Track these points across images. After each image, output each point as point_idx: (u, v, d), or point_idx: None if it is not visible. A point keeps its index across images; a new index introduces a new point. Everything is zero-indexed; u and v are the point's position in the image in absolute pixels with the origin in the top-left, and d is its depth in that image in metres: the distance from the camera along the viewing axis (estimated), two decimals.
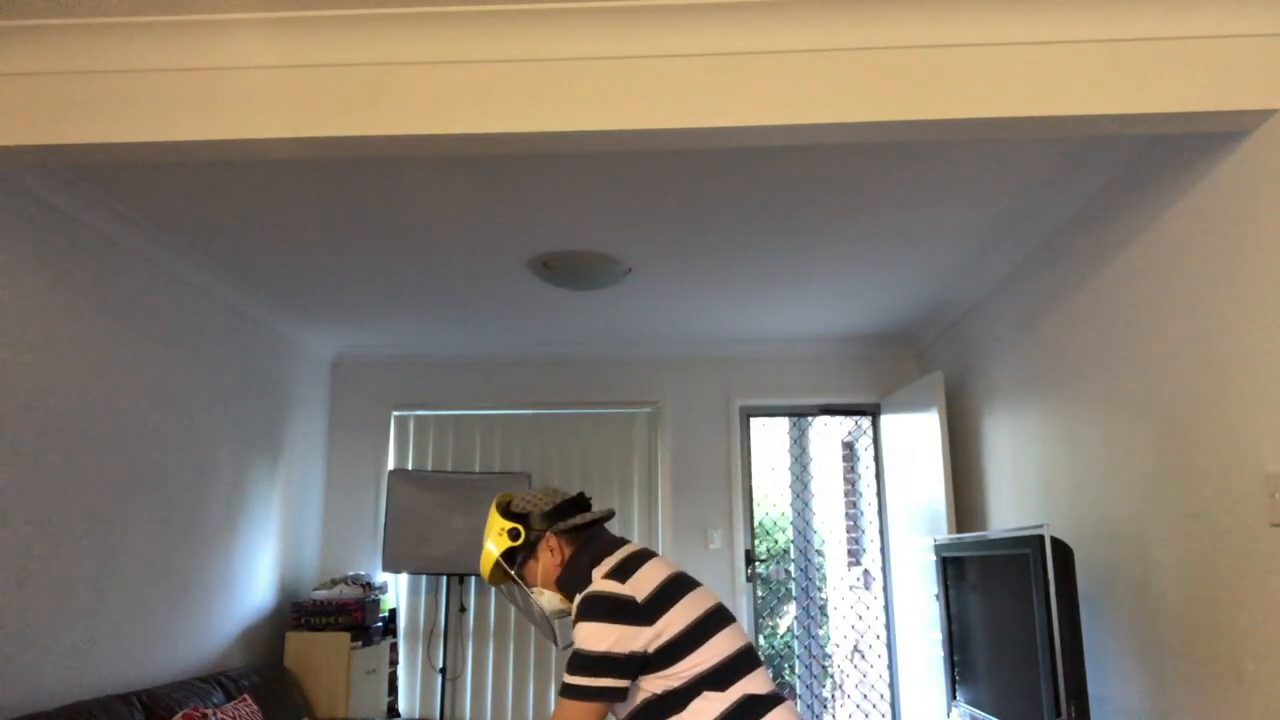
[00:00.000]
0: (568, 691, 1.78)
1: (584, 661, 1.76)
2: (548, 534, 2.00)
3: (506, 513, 2.05)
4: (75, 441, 3.02)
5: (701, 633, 1.80)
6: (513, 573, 2.03)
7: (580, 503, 2.06)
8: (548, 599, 2.01)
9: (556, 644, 2.14)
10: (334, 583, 4.61)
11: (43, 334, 2.88)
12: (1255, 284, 2.15)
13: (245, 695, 3.57)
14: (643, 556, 1.90)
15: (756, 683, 1.81)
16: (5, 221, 2.73)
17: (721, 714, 1.75)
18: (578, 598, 1.89)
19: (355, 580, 4.65)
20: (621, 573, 1.84)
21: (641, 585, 1.82)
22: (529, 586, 2.04)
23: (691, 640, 1.79)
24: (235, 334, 4.14)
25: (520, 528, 2.01)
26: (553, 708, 4.90)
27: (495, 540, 2.03)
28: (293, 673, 4.21)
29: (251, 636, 4.26)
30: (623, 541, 1.99)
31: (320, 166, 2.88)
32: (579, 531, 2.01)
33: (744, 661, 1.82)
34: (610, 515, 2.08)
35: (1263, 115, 2.09)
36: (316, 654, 4.26)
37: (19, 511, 2.76)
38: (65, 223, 2.99)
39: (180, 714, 3.09)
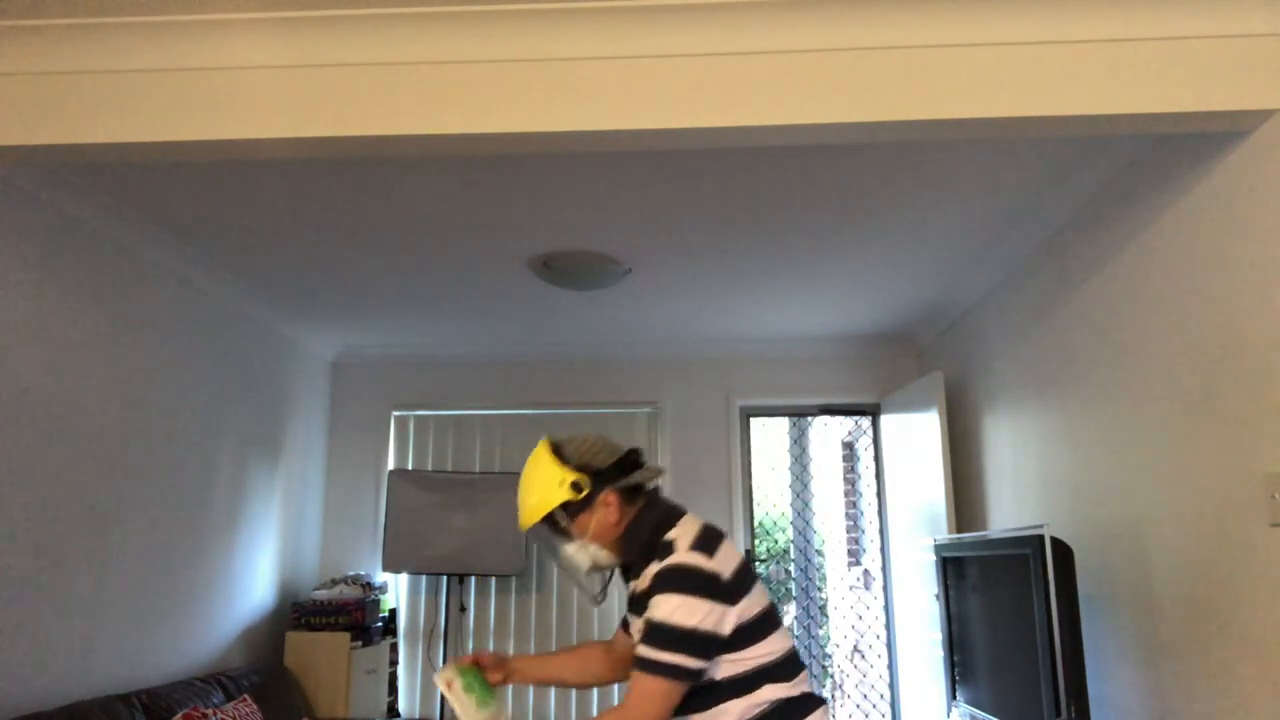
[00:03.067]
0: (652, 668, 1.65)
1: (670, 636, 1.65)
2: (608, 490, 1.85)
3: (564, 460, 1.87)
4: (75, 441, 3.02)
5: (769, 623, 1.75)
6: (564, 525, 1.86)
7: (636, 459, 1.93)
8: (593, 553, 1.86)
9: (598, 600, 2.06)
10: (334, 583, 4.61)
11: (43, 334, 2.88)
12: (1255, 284, 2.15)
13: (245, 695, 3.57)
14: (719, 532, 1.81)
15: (807, 681, 1.80)
16: (4, 221, 2.73)
17: (783, 700, 1.72)
18: (658, 566, 1.74)
19: (355, 580, 4.65)
20: (707, 547, 1.73)
21: (726, 563, 1.73)
22: (574, 539, 1.88)
23: (762, 628, 1.73)
24: (235, 334, 4.14)
25: (584, 480, 1.84)
26: (562, 705, 4.90)
27: (552, 490, 1.85)
28: (293, 673, 4.21)
29: (251, 636, 4.26)
30: (681, 508, 1.89)
31: (321, 166, 2.88)
32: (639, 491, 1.89)
33: (799, 659, 1.81)
34: (662, 473, 1.96)
35: (1263, 115, 2.09)
36: (316, 654, 4.26)
37: (19, 511, 2.76)
38: (65, 223, 2.99)
39: (180, 714, 3.09)
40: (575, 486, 1.84)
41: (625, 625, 2.05)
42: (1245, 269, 2.19)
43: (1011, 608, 2.87)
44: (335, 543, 5.11)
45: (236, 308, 4.14)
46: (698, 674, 1.67)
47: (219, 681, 3.57)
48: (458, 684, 1.91)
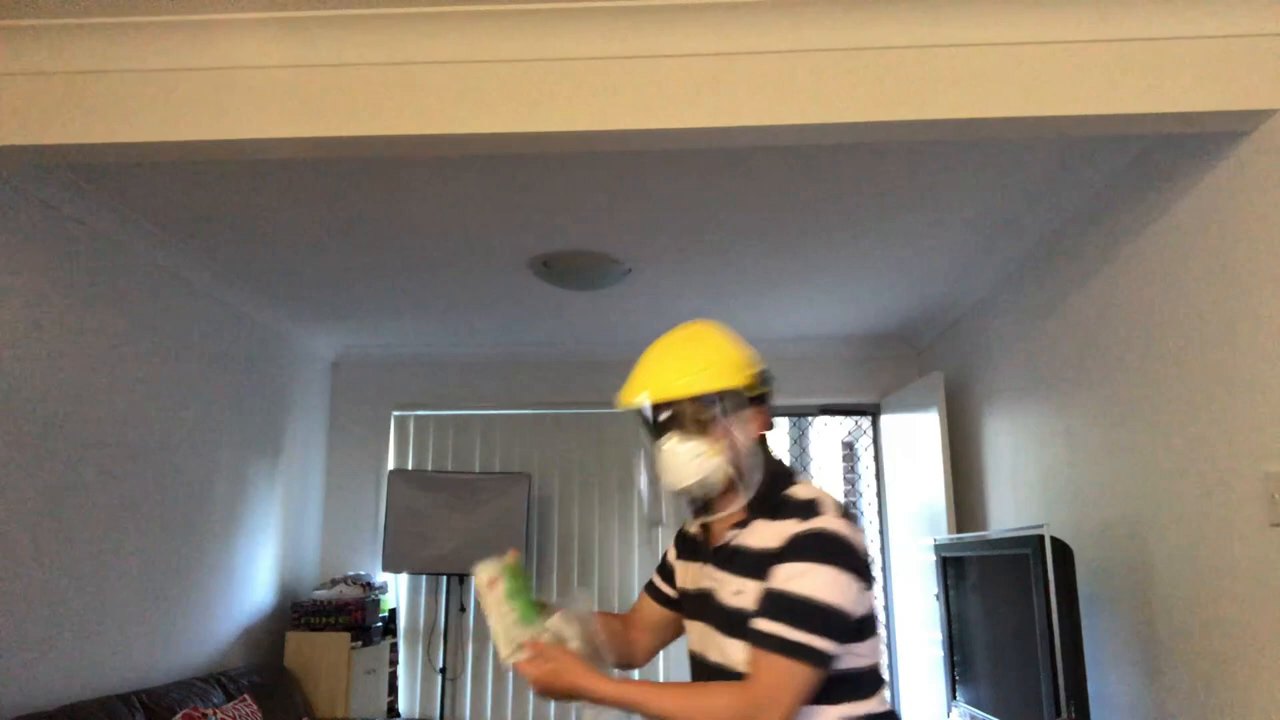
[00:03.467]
0: (790, 649, 1.37)
1: (816, 614, 1.37)
2: (766, 404, 1.59)
3: (736, 350, 1.57)
4: (75, 441, 3.02)
5: (875, 622, 1.50)
6: (707, 417, 1.51)
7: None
8: (711, 467, 1.50)
9: (658, 523, 1.74)
10: (334, 583, 4.61)
11: (42, 334, 2.88)
12: (1255, 283, 2.15)
13: (245, 695, 3.57)
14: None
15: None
16: (4, 221, 2.73)
17: (885, 712, 1.49)
18: (798, 527, 1.43)
19: (355, 580, 4.65)
20: (852, 518, 1.46)
21: (864, 540, 1.47)
22: (703, 439, 1.52)
23: (872, 626, 1.49)
24: (235, 334, 4.14)
25: (760, 379, 1.56)
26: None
27: (727, 369, 1.52)
28: (293, 673, 4.21)
29: (251, 636, 4.26)
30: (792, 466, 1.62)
31: (320, 166, 2.88)
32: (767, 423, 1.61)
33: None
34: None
35: (1263, 115, 2.09)
36: (316, 654, 4.26)
37: (19, 511, 2.76)
38: (65, 223, 2.99)
39: (180, 714, 3.09)
40: (762, 377, 1.55)
41: (655, 591, 1.77)
42: (1245, 268, 2.19)
43: (1011, 608, 2.87)
44: (335, 543, 5.11)
45: (236, 308, 4.14)
46: (831, 661, 1.40)
47: (219, 681, 3.57)
48: (501, 586, 1.56)
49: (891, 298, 4.29)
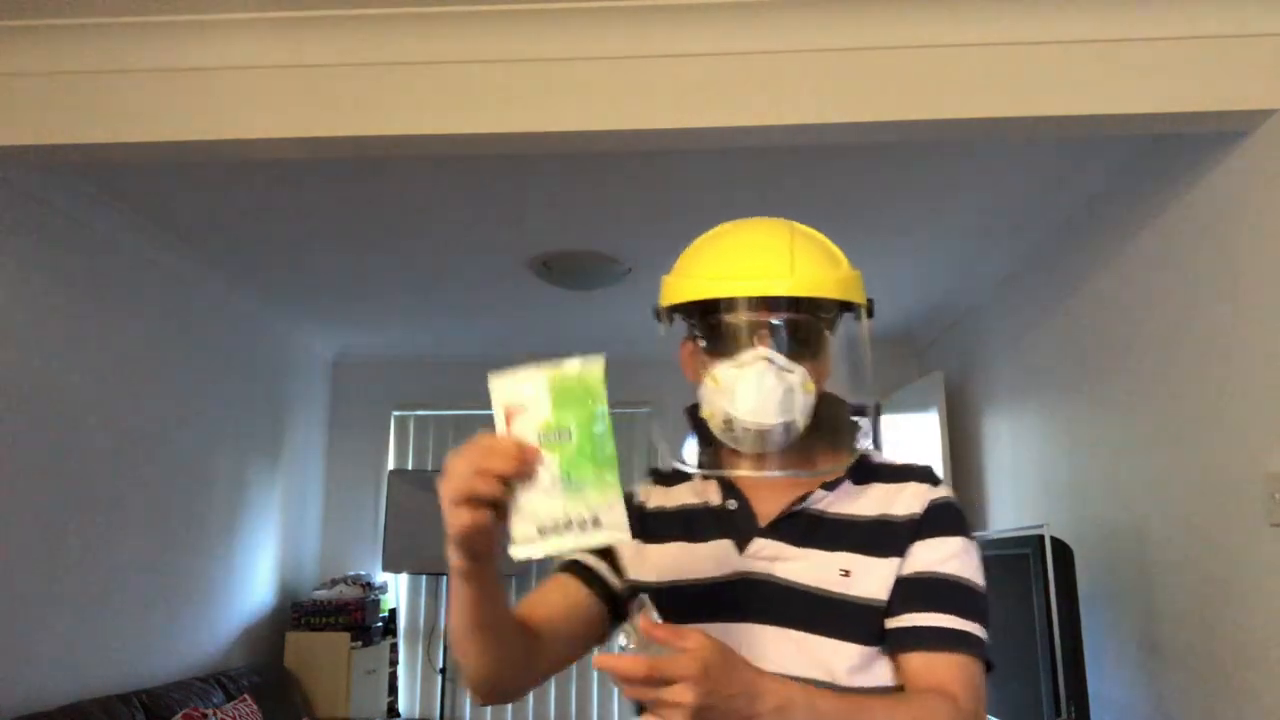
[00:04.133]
0: (977, 646, 1.13)
1: (979, 600, 1.15)
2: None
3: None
4: (74, 441, 3.01)
5: None
6: (823, 336, 1.15)
7: None
8: (810, 403, 1.10)
9: (681, 464, 1.22)
10: (334, 583, 4.61)
11: (42, 333, 2.88)
12: (1255, 283, 2.15)
13: (245, 695, 3.57)
14: None
15: None
16: (4, 221, 2.73)
17: None
18: (933, 494, 1.14)
19: (355, 580, 4.65)
20: None
21: None
22: (813, 363, 1.12)
23: None
24: (235, 334, 4.14)
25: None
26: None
27: (857, 282, 1.20)
28: (293, 673, 4.21)
29: (251, 636, 4.25)
30: None
31: (320, 166, 2.88)
32: None
33: None
34: None
35: (1263, 115, 2.08)
36: (316, 654, 4.26)
37: (19, 511, 2.76)
38: (64, 222, 2.99)
39: (180, 714, 3.09)
40: (870, 303, 1.22)
41: (587, 574, 1.22)
42: (1245, 268, 2.19)
43: (1011, 608, 2.87)
44: (335, 543, 5.11)
45: (236, 307, 4.14)
46: None
47: (219, 681, 3.57)
48: (542, 413, 0.92)
49: (891, 298, 4.29)
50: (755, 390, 1.06)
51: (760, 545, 1.12)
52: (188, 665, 3.68)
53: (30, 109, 2.21)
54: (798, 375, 1.08)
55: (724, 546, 1.15)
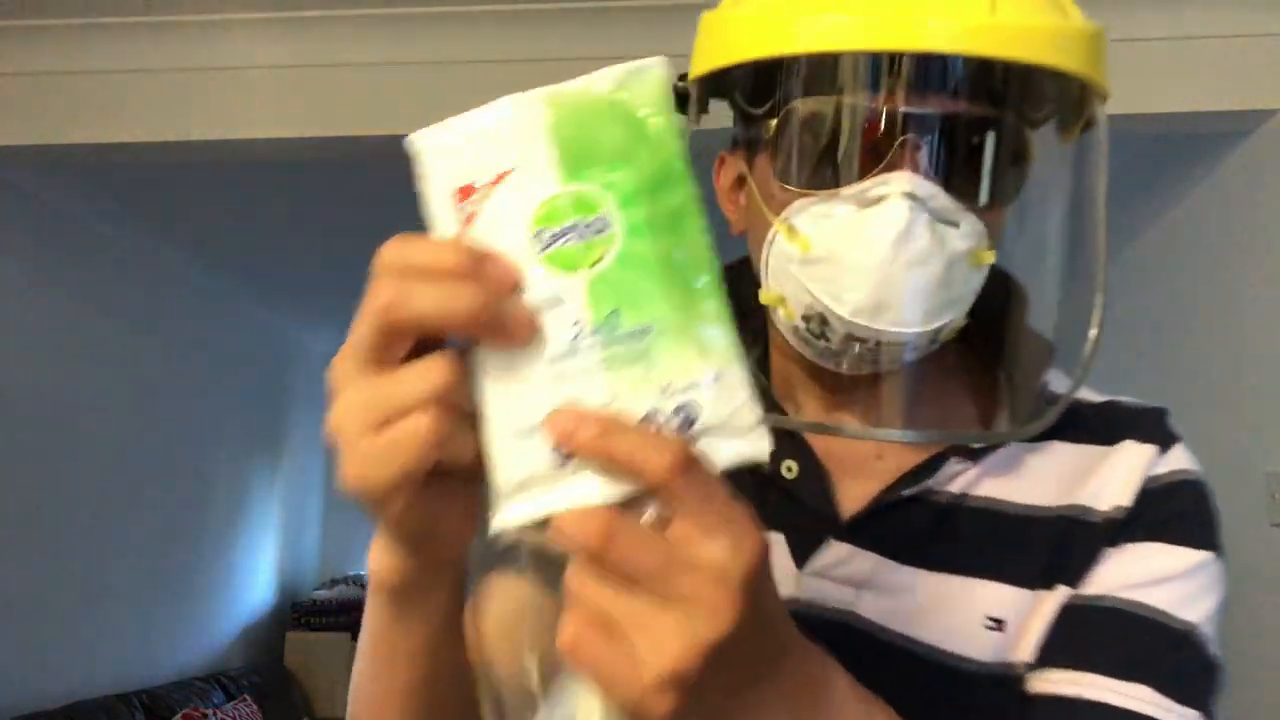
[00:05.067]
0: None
1: (1214, 680, 0.55)
2: None
3: None
4: (75, 441, 3.01)
5: None
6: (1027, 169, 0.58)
7: None
8: (964, 286, 0.55)
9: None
10: (334, 583, 4.61)
11: (41, 333, 2.88)
12: (1255, 283, 2.15)
13: (245, 695, 3.57)
14: None
15: None
16: (4, 221, 2.73)
17: None
18: (1176, 469, 0.63)
19: (356, 580, 4.65)
20: None
21: None
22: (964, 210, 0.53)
23: None
24: (235, 333, 4.14)
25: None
26: None
27: (1090, 40, 0.57)
28: (293, 673, 4.21)
29: (251, 636, 4.26)
30: None
31: (320, 166, 2.88)
32: None
33: None
34: None
35: (1263, 115, 2.08)
36: (316, 654, 4.26)
37: (19, 511, 2.76)
38: (64, 222, 2.99)
39: (180, 714, 3.09)
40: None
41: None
42: (1245, 268, 2.19)
43: None
44: (335, 542, 5.11)
45: (236, 307, 4.14)
46: None
47: (219, 681, 3.57)
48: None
49: None
50: (890, 258, 0.51)
51: (837, 555, 0.60)
52: (188, 665, 3.68)
53: (30, 109, 2.21)
54: (968, 232, 0.54)
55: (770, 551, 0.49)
